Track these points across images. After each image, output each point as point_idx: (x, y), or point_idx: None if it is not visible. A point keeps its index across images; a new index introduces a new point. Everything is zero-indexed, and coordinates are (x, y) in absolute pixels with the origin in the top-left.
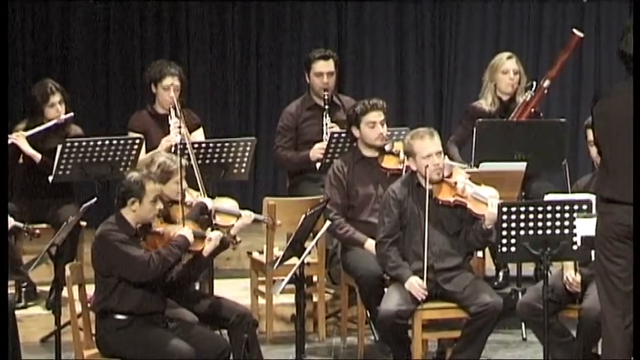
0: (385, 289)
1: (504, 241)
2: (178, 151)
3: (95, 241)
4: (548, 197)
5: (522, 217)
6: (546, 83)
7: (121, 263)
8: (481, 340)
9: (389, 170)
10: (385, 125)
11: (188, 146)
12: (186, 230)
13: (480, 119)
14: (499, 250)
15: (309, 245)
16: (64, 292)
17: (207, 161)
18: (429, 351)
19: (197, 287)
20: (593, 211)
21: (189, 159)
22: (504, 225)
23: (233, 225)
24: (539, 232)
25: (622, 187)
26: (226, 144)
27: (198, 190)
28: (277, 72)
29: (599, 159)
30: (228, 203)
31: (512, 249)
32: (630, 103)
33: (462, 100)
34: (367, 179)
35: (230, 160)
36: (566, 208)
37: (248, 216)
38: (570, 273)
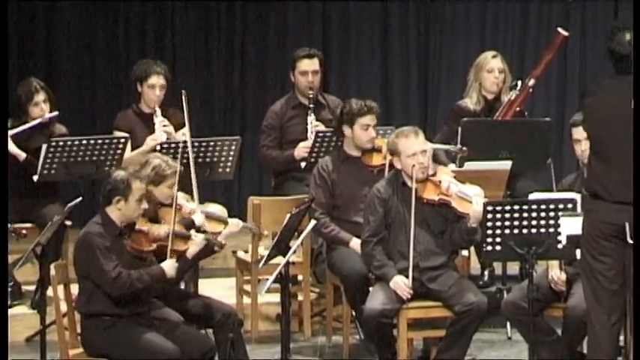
0: (370, 288)
1: (489, 239)
2: (180, 150)
3: (78, 240)
4: (532, 196)
5: (507, 215)
6: (531, 82)
7: (93, 270)
8: (466, 339)
9: (375, 167)
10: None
11: (189, 145)
12: (169, 264)
13: (465, 118)
14: (484, 249)
15: (295, 244)
16: (49, 292)
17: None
18: (414, 350)
19: (182, 287)
20: (578, 209)
21: (180, 158)
22: (489, 224)
23: (221, 232)
24: (524, 230)
25: (610, 186)
26: (211, 143)
27: (187, 192)
28: (262, 71)
29: (587, 154)
30: (217, 209)
31: (498, 248)
32: (618, 101)
33: (447, 99)
34: (352, 178)
35: (215, 160)
36: (551, 207)
37: (236, 224)
38: (555, 272)
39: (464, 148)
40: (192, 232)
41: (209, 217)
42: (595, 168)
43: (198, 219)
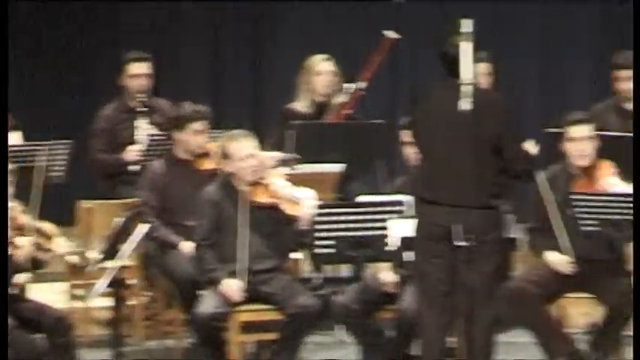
0: (202, 292)
1: (320, 242)
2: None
3: None
4: (361, 198)
5: (338, 218)
6: (361, 85)
7: None
8: (298, 341)
9: (206, 171)
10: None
11: (44, 148)
12: None
13: (295, 121)
14: (315, 252)
15: (126, 248)
16: None
17: (24, 164)
18: (246, 353)
19: (12, 291)
20: (408, 211)
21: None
22: (320, 226)
23: (49, 249)
24: (355, 233)
25: (439, 188)
26: (42, 147)
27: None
28: (92, 74)
29: (418, 158)
30: (49, 227)
31: (329, 250)
32: (447, 104)
33: (280, 102)
34: (183, 182)
35: (46, 163)
36: (380, 209)
37: (63, 246)
38: (385, 274)
39: (297, 157)
40: (21, 239)
41: (39, 232)
42: (425, 171)
43: (30, 229)
